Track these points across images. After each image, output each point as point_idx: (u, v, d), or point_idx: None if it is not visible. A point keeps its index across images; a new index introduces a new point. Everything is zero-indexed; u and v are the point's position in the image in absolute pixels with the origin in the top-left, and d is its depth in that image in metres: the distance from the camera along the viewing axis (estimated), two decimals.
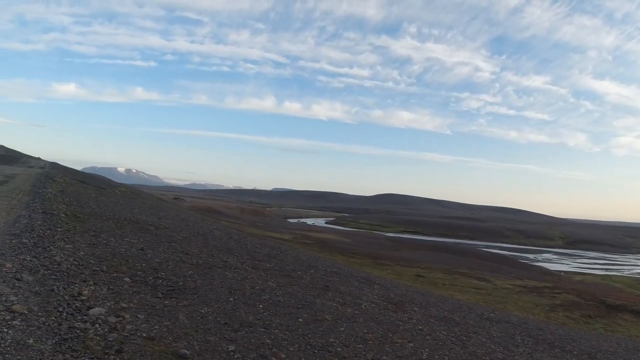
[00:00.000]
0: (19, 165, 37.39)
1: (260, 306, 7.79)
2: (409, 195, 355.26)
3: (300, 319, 7.54)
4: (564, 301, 25.78)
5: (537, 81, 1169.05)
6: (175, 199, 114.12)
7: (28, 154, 60.13)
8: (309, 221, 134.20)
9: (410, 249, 64.61)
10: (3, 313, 4.63)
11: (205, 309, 6.84)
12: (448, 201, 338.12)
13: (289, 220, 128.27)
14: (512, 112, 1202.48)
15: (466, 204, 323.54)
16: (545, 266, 61.41)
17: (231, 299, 7.82)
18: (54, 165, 45.92)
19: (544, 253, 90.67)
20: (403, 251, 60.13)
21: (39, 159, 56.03)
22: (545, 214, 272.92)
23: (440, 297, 17.97)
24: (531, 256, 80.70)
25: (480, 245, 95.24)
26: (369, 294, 12.28)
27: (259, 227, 69.54)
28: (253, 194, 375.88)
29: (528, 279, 39.63)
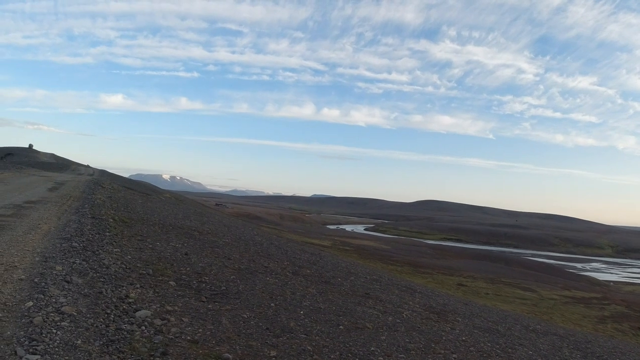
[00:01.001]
0: (69, 172, 39.13)
1: (301, 312, 7.76)
2: (450, 202, 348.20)
3: (341, 326, 7.46)
4: (613, 313, 24.65)
5: (583, 82, 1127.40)
6: (217, 205, 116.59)
7: (77, 161, 62.92)
8: (348, 228, 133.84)
9: (452, 257, 63.33)
10: (53, 314, 4.80)
11: (248, 313, 6.87)
12: (491, 208, 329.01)
13: (328, 226, 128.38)
14: (557, 114, 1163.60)
15: (510, 211, 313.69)
16: (593, 276, 58.93)
17: (272, 304, 7.83)
18: (103, 173, 47.83)
19: (592, 262, 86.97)
20: (444, 259, 58.98)
21: (88, 166, 58.49)
22: (594, 221, 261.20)
23: (484, 307, 17.43)
24: (579, 265, 77.61)
25: (525, 253, 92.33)
26: (410, 303, 12.05)
27: (299, 233, 69.88)
28: (293, 200, 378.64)
29: (575, 290, 38.11)
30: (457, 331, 9.59)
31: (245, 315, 6.75)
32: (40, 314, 4.72)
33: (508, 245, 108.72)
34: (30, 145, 65.11)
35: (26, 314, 4.71)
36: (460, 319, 11.48)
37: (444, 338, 8.52)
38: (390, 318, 9.13)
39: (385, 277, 18.71)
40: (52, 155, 62.48)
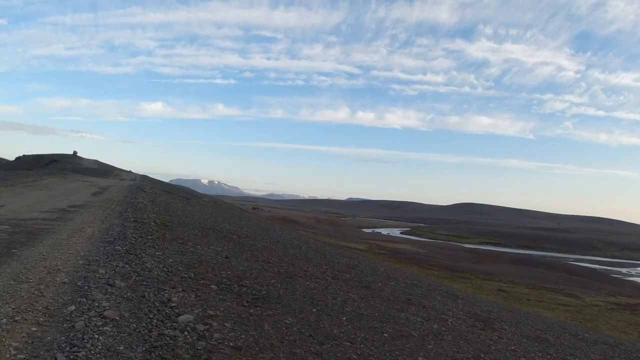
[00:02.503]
0: (111, 177, 40.27)
1: (344, 318, 7.49)
2: (489, 205, 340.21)
3: (385, 334, 7.14)
4: None
5: (626, 78, 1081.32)
6: (254, 208, 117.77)
7: (120, 167, 64.78)
8: (384, 231, 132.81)
9: (492, 262, 61.86)
10: (95, 319, 4.71)
11: (290, 319, 6.67)
12: (532, 210, 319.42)
13: (363, 230, 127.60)
14: (600, 112, 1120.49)
15: (552, 214, 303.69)
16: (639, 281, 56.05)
17: (314, 309, 7.60)
18: (144, 178, 49.04)
19: (638, 267, 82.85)
20: (483, 264, 57.64)
21: (130, 172, 60.15)
22: None
23: (528, 314, 16.72)
24: (624, 270, 74.25)
25: (568, 258, 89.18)
26: (454, 309, 11.57)
27: (335, 236, 69.66)
28: (328, 203, 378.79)
29: (621, 296, 36.54)
30: (505, 340, 9.08)
31: (287, 321, 6.54)
32: (82, 318, 4.65)
33: (549, 250, 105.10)
34: (75, 152, 67.56)
35: (68, 318, 4.65)
36: (507, 327, 10.94)
37: (492, 348, 8.06)
38: (435, 325, 8.73)
39: (425, 282, 18.21)
40: (96, 162, 64.62)
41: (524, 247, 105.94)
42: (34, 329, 4.33)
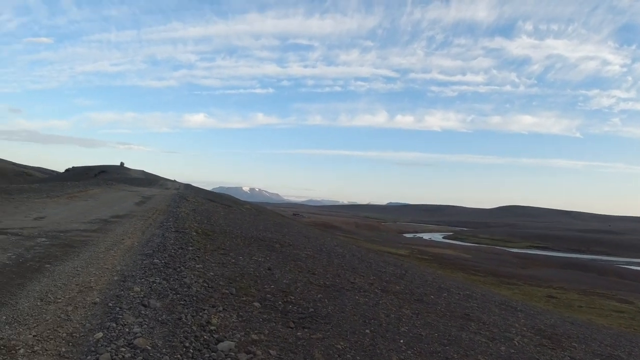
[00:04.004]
0: (156, 187, 40.78)
1: (401, 341, 6.66)
2: (535, 207, 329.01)
3: None
4: None
5: None
6: (294, 215, 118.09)
7: (165, 177, 66.06)
8: (425, 236, 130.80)
9: (539, 266, 59.84)
10: (123, 349, 4.11)
11: (342, 343, 5.90)
12: (580, 212, 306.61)
13: (404, 235, 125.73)
14: None
15: (601, 215, 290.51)
16: None
17: (367, 330, 6.80)
18: (188, 186, 49.64)
19: None
20: (531, 269, 55.71)
21: (174, 181, 61.12)
22: None
23: (588, 325, 15.45)
24: None
25: (619, 261, 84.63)
26: (516, 325, 10.51)
27: (376, 242, 68.57)
28: (368, 208, 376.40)
29: None
30: None
31: (339, 346, 5.78)
32: (109, 348, 4.05)
33: (599, 253, 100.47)
34: (122, 163, 69.38)
35: (93, 348, 4.07)
36: (576, 344, 9.88)
37: None
38: (502, 347, 7.76)
39: (478, 292, 17.10)
40: (142, 172, 66.05)
41: (573, 251, 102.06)
42: None
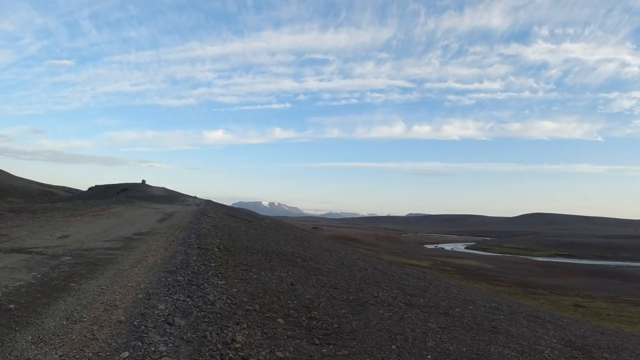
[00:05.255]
0: (177, 203, 41.17)
1: (429, 357, 6.48)
2: (559, 214, 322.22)
3: None
4: None
5: None
6: (314, 228, 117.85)
7: (186, 193, 66.72)
8: (447, 247, 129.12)
9: (565, 275, 58.54)
10: None
11: None
12: (605, 218, 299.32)
13: (425, 246, 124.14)
14: None
15: (627, 220, 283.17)
16: None
17: (394, 346, 6.64)
18: (208, 202, 50.02)
19: None
20: (556, 277, 54.54)
21: (195, 197, 61.65)
22: None
23: (618, 333, 14.93)
24: None
25: None
26: (545, 337, 10.18)
27: (396, 254, 67.88)
28: (388, 220, 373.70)
29: None
30: None
31: None
32: None
33: (626, 259, 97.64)
34: (143, 181, 70.37)
35: None
36: (607, 355, 9.52)
37: None
38: None
39: (504, 303, 16.68)
40: (163, 189, 66.84)
41: (598, 258, 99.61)
42: None
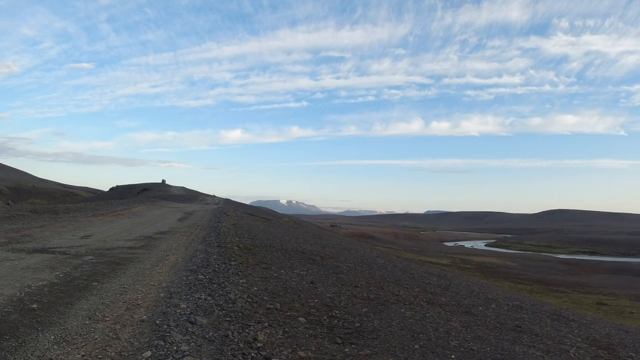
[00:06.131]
0: (197, 203, 41.52)
1: (453, 357, 6.34)
2: (581, 210, 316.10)
3: None
4: None
5: None
6: (332, 226, 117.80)
7: (205, 192, 67.30)
8: (467, 244, 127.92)
9: (588, 272, 57.65)
10: None
11: None
12: (629, 214, 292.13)
13: (445, 243, 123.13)
14: None
15: None
16: None
17: (416, 345, 6.52)
18: (227, 201, 50.38)
19: None
20: (579, 275, 53.73)
21: (214, 196, 62.18)
22: None
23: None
24: None
25: None
26: (570, 336, 9.91)
27: (415, 251, 67.43)
28: (406, 218, 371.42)
29: None
30: None
31: None
32: None
33: None
34: (163, 181, 71.24)
35: None
36: (633, 354, 9.20)
37: None
38: None
39: (527, 302, 16.36)
40: (182, 188, 67.57)
41: (623, 255, 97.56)
42: None
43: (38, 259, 8.77)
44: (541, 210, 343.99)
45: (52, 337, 4.61)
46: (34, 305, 5.59)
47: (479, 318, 9.72)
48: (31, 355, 4.13)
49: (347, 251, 19.65)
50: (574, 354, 8.00)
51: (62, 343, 4.48)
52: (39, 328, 4.83)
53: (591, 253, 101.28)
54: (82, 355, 4.17)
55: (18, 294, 6.05)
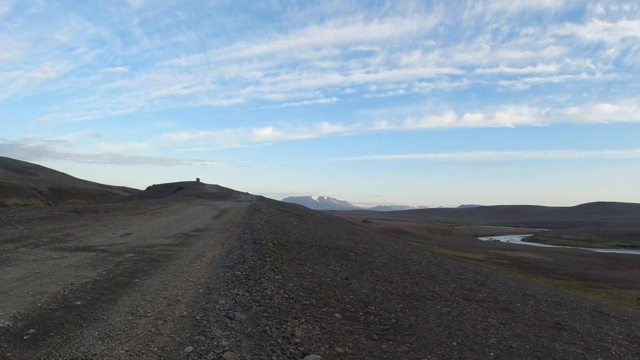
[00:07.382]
0: (230, 200, 42.13)
1: (491, 354, 6.23)
2: (622, 202, 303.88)
3: None
4: None
5: None
6: (364, 221, 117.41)
7: (238, 190, 68.20)
8: (502, 239, 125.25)
9: (629, 267, 55.62)
10: None
11: (429, 357, 5.62)
12: None
13: (479, 238, 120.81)
14: None
15: None
16: None
17: (454, 342, 6.45)
18: (260, 198, 50.95)
19: None
20: (619, 270, 51.85)
21: (246, 193, 63.02)
22: None
23: None
24: None
25: None
26: (611, 333, 9.58)
27: (449, 247, 66.46)
28: (439, 212, 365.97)
29: None
30: None
31: None
32: None
33: None
34: (198, 179, 72.69)
35: None
36: None
37: None
38: (599, 359, 7.08)
39: (567, 298, 15.90)
40: (216, 186, 68.80)
41: None
42: None
43: (80, 257, 9.09)
44: (579, 203, 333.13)
45: (96, 333, 4.76)
46: (78, 302, 5.79)
47: (517, 315, 9.52)
48: (76, 351, 4.26)
49: (381, 247, 19.57)
50: (615, 352, 7.75)
51: (106, 339, 4.61)
52: (83, 324, 4.98)
53: (632, 247, 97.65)
54: (126, 351, 4.30)
55: (62, 292, 6.29)
